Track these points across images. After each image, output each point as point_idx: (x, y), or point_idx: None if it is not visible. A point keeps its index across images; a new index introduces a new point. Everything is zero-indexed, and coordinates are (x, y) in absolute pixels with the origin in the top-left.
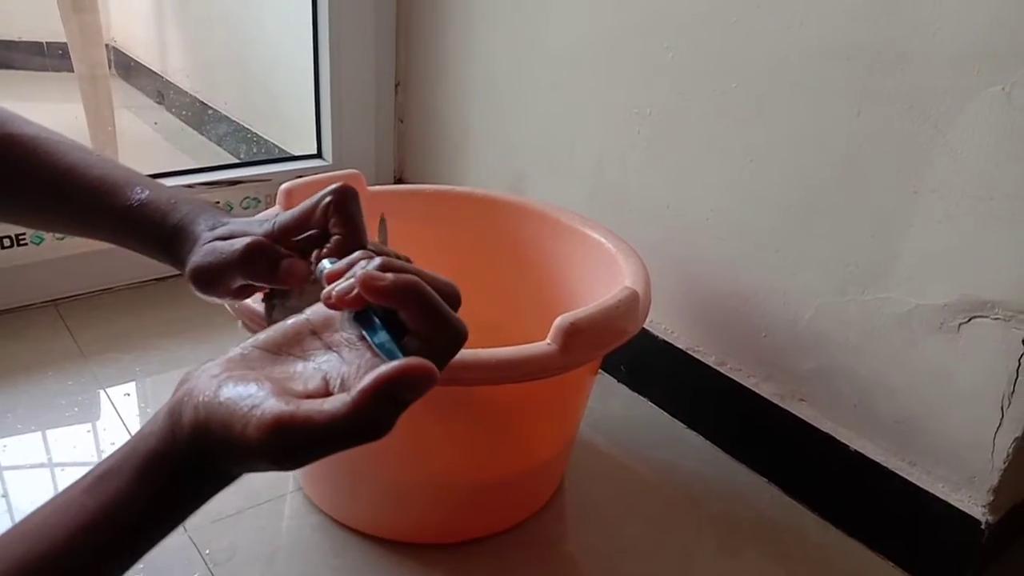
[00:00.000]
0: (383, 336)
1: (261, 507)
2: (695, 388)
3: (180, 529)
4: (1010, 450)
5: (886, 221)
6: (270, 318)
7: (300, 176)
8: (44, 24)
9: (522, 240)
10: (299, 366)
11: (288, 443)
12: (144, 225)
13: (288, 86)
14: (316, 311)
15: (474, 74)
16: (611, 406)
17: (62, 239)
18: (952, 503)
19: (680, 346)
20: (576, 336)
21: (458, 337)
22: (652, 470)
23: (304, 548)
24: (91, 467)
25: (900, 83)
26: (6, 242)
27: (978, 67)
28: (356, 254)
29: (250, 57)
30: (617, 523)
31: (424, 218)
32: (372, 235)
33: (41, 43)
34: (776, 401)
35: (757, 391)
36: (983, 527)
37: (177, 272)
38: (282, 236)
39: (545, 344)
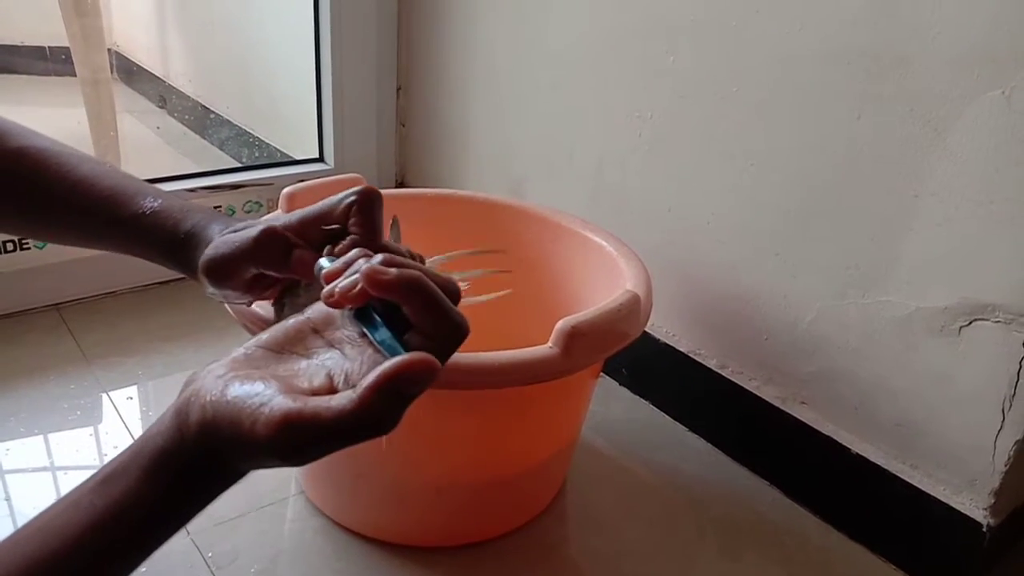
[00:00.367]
0: (384, 333)
1: (264, 510)
2: (696, 391)
3: (183, 532)
4: (1011, 453)
5: (886, 225)
6: (279, 319)
7: (302, 180)
8: (46, 28)
9: (523, 243)
10: (303, 364)
11: (297, 439)
12: (156, 234)
13: (290, 90)
14: (316, 310)
15: (475, 78)
16: (612, 409)
17: None
18: (953, 506)
19: (681, 349)
20: (578, 339)
21: (460, 331)
22: (653, 473)
23: (306, 551)
24: (94, 470)
25: (900, 87)
26: (9, 246)
27: (978, 71)
28: (353, 252)
29: (252, 61)
30: (618, 526)
31: (426, 222)
32: (386, 229)
33: (44, 47)
34: (777, 404)
35: (758, 394)
36: (984, 530)
37: (180, 276)
38: (300, 229)
39: (547, 347)
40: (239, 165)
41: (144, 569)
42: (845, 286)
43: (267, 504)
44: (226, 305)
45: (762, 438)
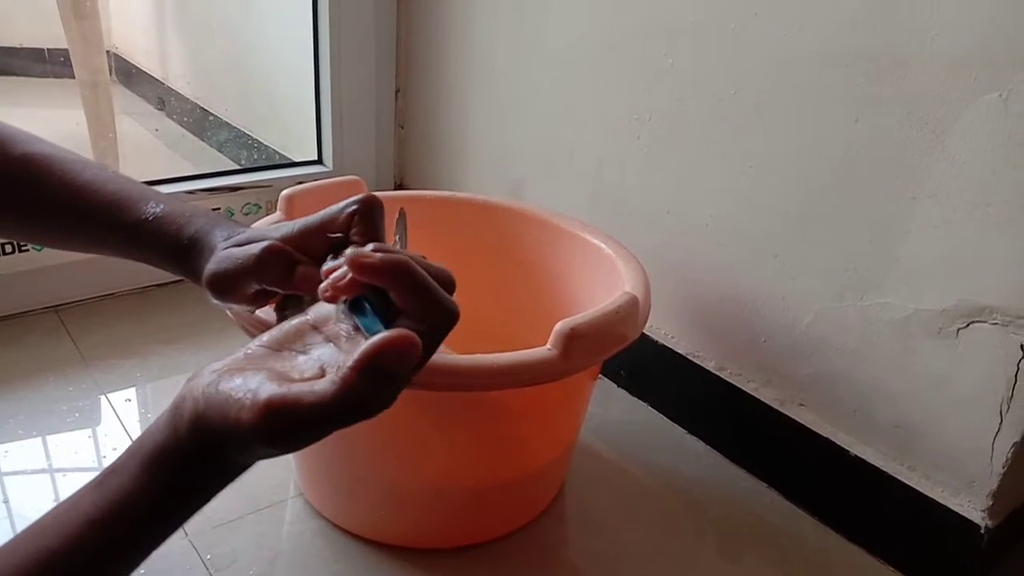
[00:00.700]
0: (371, 318)
1: (262, 512)
2: (695, 393)
3: (181, 534)
4: (1009, 455)
5: (884, 227)
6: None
7: (301, 182)
8: (45, 30)
9: (522, 245)
10: (300, 359)
11: (281, 424)
12: (160, 239)
13: (289, 92)
14: (317, 310)
15: (474, 80)
16: (611, 411)
17: None
18: (952, 508)
19: (680, 351)
20: (576, 341)
21: (449, 315)
22: (652, 475)
23: (305, 553)
24: (93, 472)
25: (898, 90)
26: (7, 248)
27: (975, 74)
28: (350, 249)
29: (251, 63)
30: (617, 528)
31: (424, 224)
32: (389, 234)
33: (42, 49)
34: (776, 406)
35: (757, 396)
36: (982, 531)
37: (178, 278)
38: (302, 241)
39: (545, 349)
40: (238, 167)
41: (143, 571)
42: (843, 288)
43: (265, 506)
44: (225, 309)
45: (761, 440)
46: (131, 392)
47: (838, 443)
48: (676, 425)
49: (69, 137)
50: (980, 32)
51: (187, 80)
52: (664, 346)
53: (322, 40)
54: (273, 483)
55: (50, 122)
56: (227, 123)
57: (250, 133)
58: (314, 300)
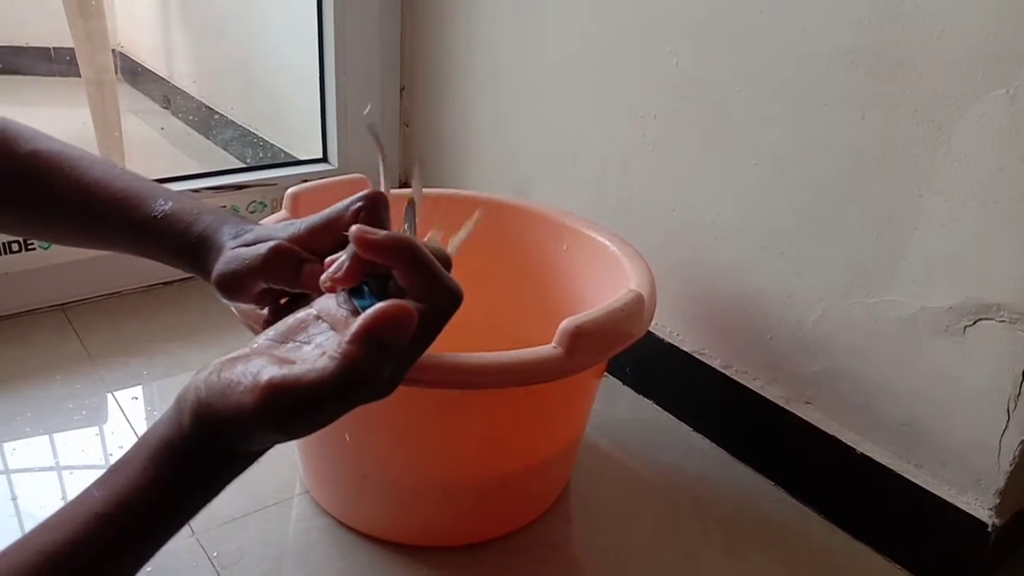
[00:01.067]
0: (369, 300)
1: (268, 510)
2: (700, 391)
3: (187, 532)
4: (1016, 453)
5: (891, 224)
6: None
7: (306, 180)
8: (51, 30)
9: (526, 243)
10: (304, 348)
11: (282, 404)
12: (169, 236)
13: (294, 91)
14: (322, 302)
15: (478, 78)
16: (616, 409)
17: None
18: (959, 506)
19: (685, 349)
20: (581, 339)
21: (452, 295)
22: (658, 473)
23: (311, 550)
24: (99, 470)
25: (904, 87)
26: (14, 246)
27: (982, 70)
28: (355, 227)
29: (256, 62)
30: (623, 526)
31: (429, 222)
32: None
33: (48, 48)
34: (782, 404)
35: (763, 394)
36: (990, 530)
37: (184, 276)
38: (308, 239)
39: (550, 347)
40: (243, 165)
41: (148, 568)
42: (850, 286)
43: (271, 504)
44: (231, 307)
45: (766, 438)
46: (137, 390)
47: (844, 441)
48: (682, 423)
49: (75, 136)
50: (986, 29)
51: (192, 79)
52: (670, 344)
53: (327, 39)
54: (279, 481)
55: (56, 121)
56: (232, 121)
57: (255, 131)
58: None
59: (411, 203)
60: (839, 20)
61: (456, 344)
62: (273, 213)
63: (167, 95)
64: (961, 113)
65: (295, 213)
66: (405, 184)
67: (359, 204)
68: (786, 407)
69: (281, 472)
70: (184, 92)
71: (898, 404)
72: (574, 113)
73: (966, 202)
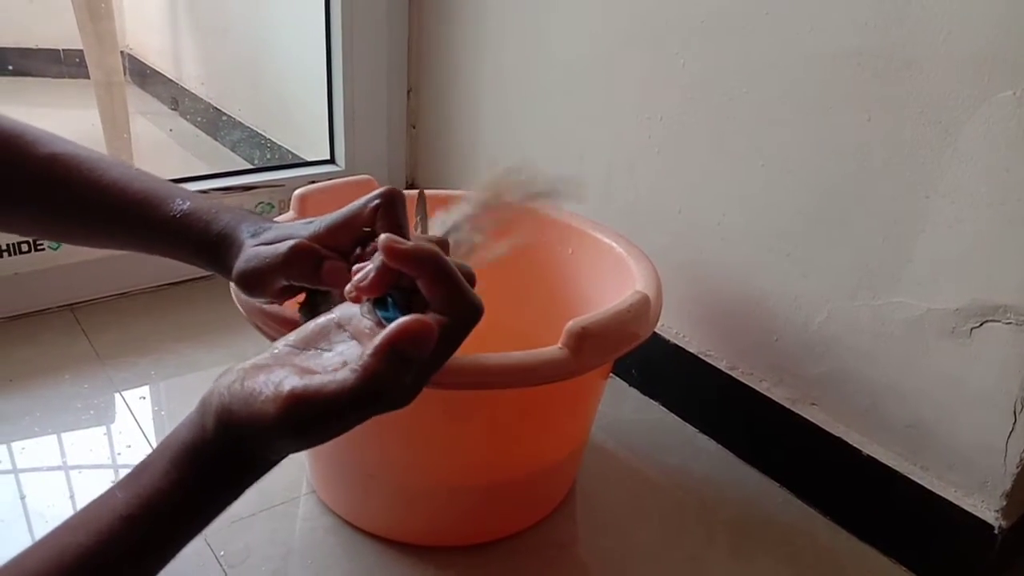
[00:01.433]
0: (393, 312)
1: (275, 509)
2: (706, 392)
3: None
4: (1023, 455)
5: (898, 226)
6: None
7: (313, 181)
8: (61, 32)
9: (533, 245)
10: (325, 356)
11: (304, 414)
12: (188, 235)
13: (301, 92)
14: (343, 309)
15: (485, 79)
16: (622, 410)
17: None
18: (965, 508)
19: (691, 350)
20: (587, 340)
21: (474, 309)
22: (663, 474)
23: (317, 550)
24: (107, 469)
25: (910, 89)
26: (23, 247)
27: (988, 72)
28: (383, 236)
29: (264, 64)
30: (628, 527)
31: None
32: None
33: (58, 50)
34: (787, 405)
35: (769, 395)
36: (996, 532)
37: (193, 276)
38: (327, 237)
39: (556, 348)
40: (251, 167)
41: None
42: (856, 287)
43: (279, 503)
44: (238, 306)
45: (772, 439)
46: (145, 390)
47: (850, 443)
48: (687, 424)
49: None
50: (993, 30)
51: (201, 80)
52: (675, 345)
53: (334, 40)
54: (286, 480)
55: (66, 123)
56: (240, 123)
57: (263, 133)
58: (343, 293)
59: (422, 195)
60: (845, 22)
61: (462, 345)
62: (281, 214)
63: (175, 97)
64: (968, 115)
65: (302, 214)
66: (412, 185)
67: (376, 201)
68: (792, 408)
69: (288, 472)
70: (192, 94)
71: (904, 406)
72: (580, 114)
73: (972, 204)
